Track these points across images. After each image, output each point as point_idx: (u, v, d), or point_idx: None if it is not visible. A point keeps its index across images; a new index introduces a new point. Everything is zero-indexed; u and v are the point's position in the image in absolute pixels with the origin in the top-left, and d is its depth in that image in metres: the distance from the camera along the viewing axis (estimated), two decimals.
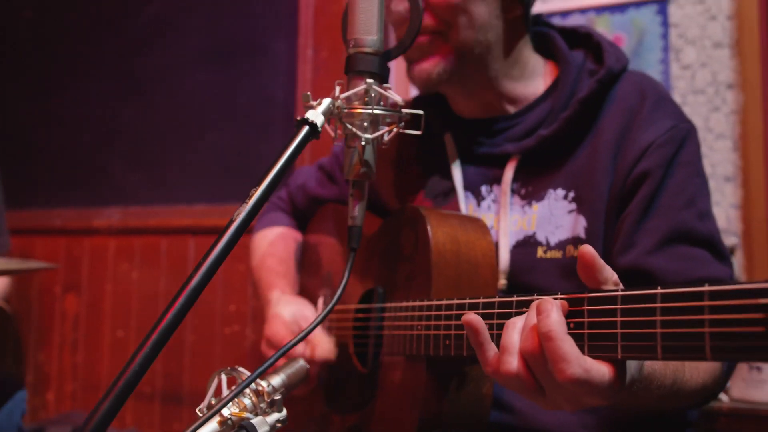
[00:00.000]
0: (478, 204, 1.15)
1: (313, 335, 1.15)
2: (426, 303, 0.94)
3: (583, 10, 2.00)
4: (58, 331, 2.40)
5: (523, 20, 1.13)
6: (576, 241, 1.04)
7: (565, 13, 1.99)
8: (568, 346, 0.64)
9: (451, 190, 1.17)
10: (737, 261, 1.82)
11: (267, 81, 2.22)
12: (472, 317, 0.72)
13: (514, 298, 0.77)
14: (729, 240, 1.79)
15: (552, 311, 0.65)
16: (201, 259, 0.68)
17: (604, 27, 1.97)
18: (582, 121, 1.06)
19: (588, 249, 0.68)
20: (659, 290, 0.61)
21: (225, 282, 2.16)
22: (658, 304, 0.61)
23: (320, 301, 1.30)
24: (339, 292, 0.81)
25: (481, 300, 0.83)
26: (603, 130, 1.05)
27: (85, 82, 2.51)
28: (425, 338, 0.93)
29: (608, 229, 1.03)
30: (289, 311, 1.21)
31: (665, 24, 1.92)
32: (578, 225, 1.04)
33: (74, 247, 2.41)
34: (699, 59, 1.90)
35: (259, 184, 0.74)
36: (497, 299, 0.80)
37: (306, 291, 1.38)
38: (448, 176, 1.18)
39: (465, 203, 1.15)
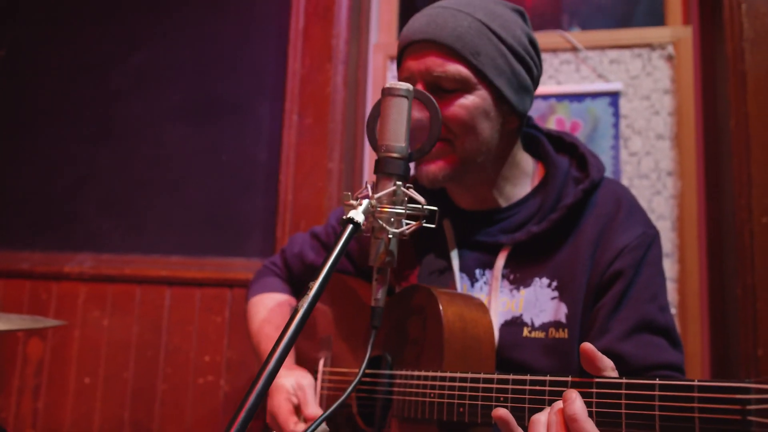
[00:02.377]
0: (472, 285, 1.30)
1: (310, 407, 1.27)
2: (440, 374, 1.08)
3: (545, 97, 2.23)
4: (19, 375, 2.38)
5: (518, 130, 1.31)
6: (557, 324, 1.21)
7: None
8: (590, 426, 0.81)
9: (447, 270, 1.32)
10: None
11: (250, 140, 2.31)
12: (501, 413, 0.91)
13: (528, 377, 0.93)
14: None
15: (576, 399, 0.83)
16: (273, 346, 0.83)
17: (563, 113, 2.21)
18: (566, 222, 1.25)
19: (588, 346, 0.85)
20: (657, 381, 0.78)
21: (200, 333, 2.21)
22: (657, 392, 0.78)
23: (320, 363, 1.41)
24: (363, 366, 0.95)
25: (496, 376, 0.98)
26: (584, 231, 1.24)
27: (60, 123, 2.52)
28: (438, 405, 1.07)
29: (585, 315, 1.21)
30: (290, 383, 1.32)
31: (616, 115, 2.18)
32: (560, 310, 1.21)
33: (41, 292, 2.41)
34: (644, 148, 2.16)
35: (315, 277, 0.88)
36: (511, 376, 0.95)
37: (302, 352, 1.49)
38: (446, 258, 1.33)
39: (460, 283, 1.30)
